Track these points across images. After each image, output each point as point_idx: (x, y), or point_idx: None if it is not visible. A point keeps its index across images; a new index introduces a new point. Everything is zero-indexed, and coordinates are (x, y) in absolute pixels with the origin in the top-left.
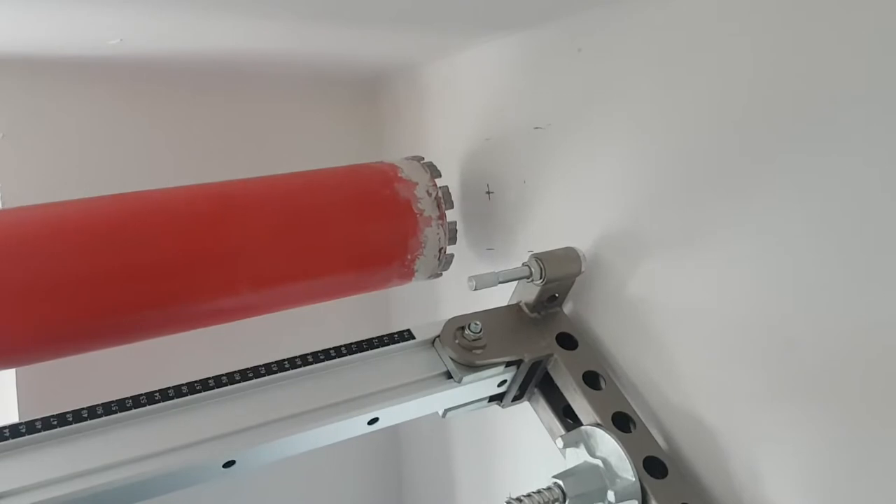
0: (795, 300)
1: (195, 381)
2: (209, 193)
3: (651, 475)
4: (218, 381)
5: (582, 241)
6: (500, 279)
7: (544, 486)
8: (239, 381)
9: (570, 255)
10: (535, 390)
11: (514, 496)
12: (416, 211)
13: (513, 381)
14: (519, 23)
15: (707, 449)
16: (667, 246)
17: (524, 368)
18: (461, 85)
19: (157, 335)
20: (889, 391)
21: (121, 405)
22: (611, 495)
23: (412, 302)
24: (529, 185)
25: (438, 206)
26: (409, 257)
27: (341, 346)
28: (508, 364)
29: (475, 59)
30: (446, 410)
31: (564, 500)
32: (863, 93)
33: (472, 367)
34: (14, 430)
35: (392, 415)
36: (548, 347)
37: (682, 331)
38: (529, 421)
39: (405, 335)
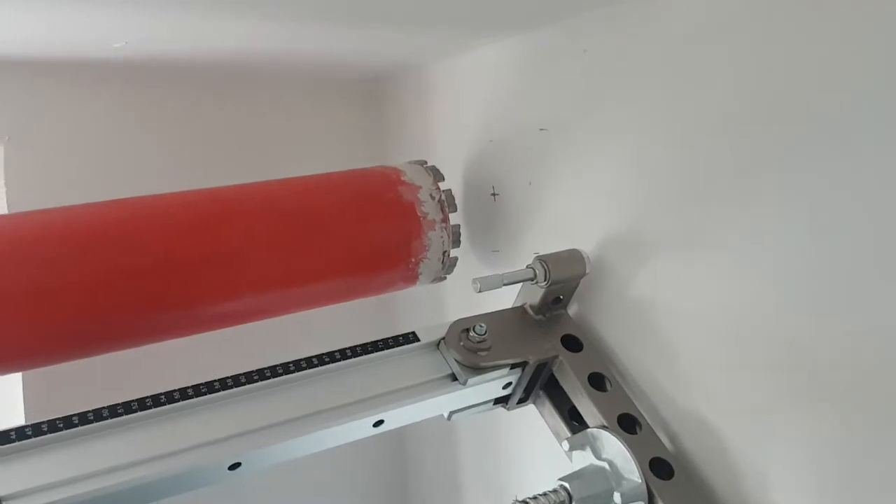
0: (801, 302)
1: (201, 384)
2: (212, 197)
3: (657, 476)
4: (223, 384)
5: (587, 243)
6: (505, 281)
7: (550, 489)
8: (244, 384)
9: (574, 257)
10: (541, 392)
11: (520, 498)
12: (419, 214)
13: (518, 383)
14: (523, 24)
15: (713, 450)
16: (672, 248)
17: (529, 370)
18: (465, 86)
19: (162, 339)
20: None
21: (126, 408)
22: (617, 497)
23: (419, 304)
24: (535, 187)
25: (442, 209)
26: (412, 261)
27: (346, 349)
28: (513, 366)
29: (479, 59)
30: (451, 413)
31: (570, 503)
32: (865, 93)
33: (477, 370)
34: (20, 433)
35: (397, 417)
36: (553, 349)
37: (688, 332)
38: (535, 423)
39: (410, 337)
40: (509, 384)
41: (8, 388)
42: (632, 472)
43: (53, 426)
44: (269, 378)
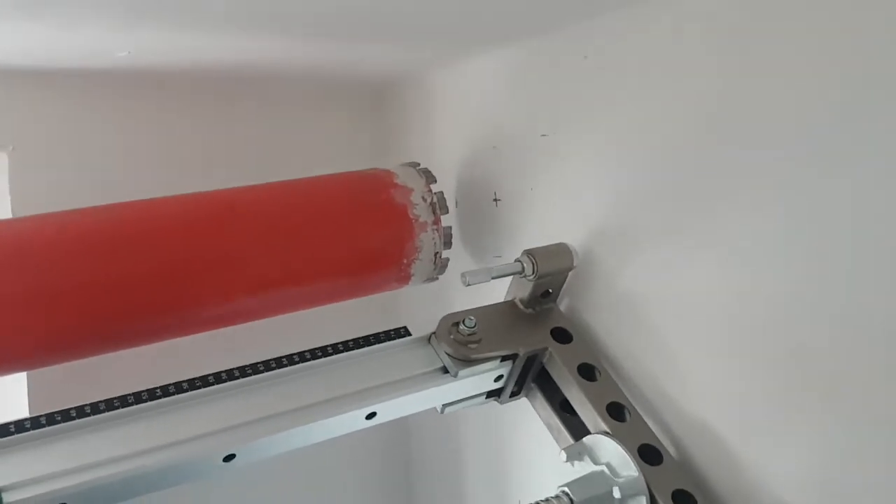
0: (785, 292)
1: (195, 378)
2: (207, 201)
3: (647, 462)
4: (218, 378)
5: (582, 238)
6: (493, 275)
7: (552, 495)
8: (238, 378)
9: (562, 251)
10: (533, 385)
11: None
12: (411, 217)
13: (509, 375)
14: (524, 32)
15: (700, 435)
16: (659, 242)
17: (520, 362)
18: (468, 92)
19: (159, 340)
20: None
21: (122, 401)
22: (616, 491)
23: (419, 301)
24: (537, 192)
25: (434, 211)
26: (404, 262)
27: (338, 343)
28: (504, 358)
29: (482, 67)
30: (444, 406)
31: None
32: (848, 92)
33: (468, 362)
34: (20, 426)
35: (389, 409)
36: (542, 341)
37: (674, 322)
38: (537, 422)
39: (401, 332)
40: (500, 377)
41: (14, 383)
42: (628, 466)
43: (52, 419)
44: (262, 372)
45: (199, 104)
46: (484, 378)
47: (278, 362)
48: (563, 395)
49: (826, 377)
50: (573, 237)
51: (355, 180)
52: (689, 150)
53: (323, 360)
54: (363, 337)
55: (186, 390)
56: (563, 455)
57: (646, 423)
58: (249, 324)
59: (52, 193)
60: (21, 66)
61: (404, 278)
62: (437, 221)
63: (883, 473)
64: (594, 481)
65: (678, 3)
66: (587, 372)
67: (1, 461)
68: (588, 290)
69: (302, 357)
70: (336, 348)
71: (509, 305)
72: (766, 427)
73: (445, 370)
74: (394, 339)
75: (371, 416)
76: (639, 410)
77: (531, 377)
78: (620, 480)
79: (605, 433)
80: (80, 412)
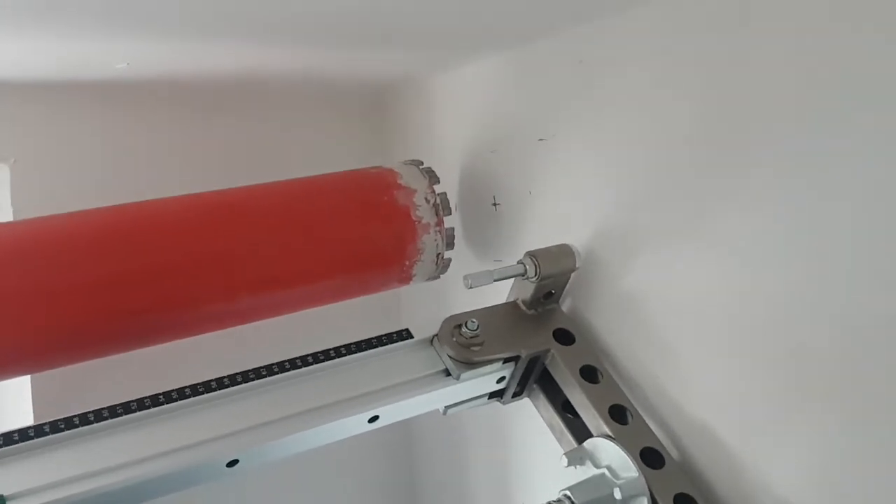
0: (785, 292)
1: (198, 384)
2: (209, 201)
3: (649, 466)
4: (220, 383)
5: (583, 237)
6: (495, 277)
7: (554, 499)
8: (240, 383)
9: (564, 252)
10: (535, 386)
11: None
12: (414, 218)
13: (511, 377)
14: (521, 37)
15: (702, 436)
16: (661, 243)
17: (522, 364)
18: (466, 97)
19: (161, 341)
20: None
21: (126, 408)
22: (617, 492)
23: (421, 302)
24: (536, 196)
25: (437, 212)
26: (406, 263)
27: (341, 347)
28: (506, 360)
29: (480, 71)
30: (447, 408)
31: None
32: (846, 91)
33: (471, 364)
34: (23, 434)
35: (392, 412)
36: (545, 343)
37: (676, 323)
38: (541, 424)
39: (404, 334)
40: (503, 378)
41: (19, 390)
42: (629, 468)
43: (55, 427)
44: (264, 377)
45: (199, 112)
46: (486, 380)
47: (280, 366)
48: (565, 396)
49: (826, 377)
50: (574, 240)
51: (358, 179)
52: (687, 151)
53: (325, 363)
54: (365, 340)
55: (189, 396)
56: (565, 460)
57: (648, 426)
58: (250, 327)
59: (54, 205)
60: (21, 79)
61: (406, 278)
62: (439, 223)
63: (884, 474)
64: (595, 484)
65: (673, 7)
66: (589, 374)
67: (5, 469)
68: (590, 292)
69: (304, 361)
70: (338, 351)
71: (511, 307)
72: (767, 428)
73: (448, 372)
74: (396, 341)
75: (374, 419)
76: (640, 412)
77: (533, 378)
78: (621, 482)
79: (607, 436)
80: (84, 419)
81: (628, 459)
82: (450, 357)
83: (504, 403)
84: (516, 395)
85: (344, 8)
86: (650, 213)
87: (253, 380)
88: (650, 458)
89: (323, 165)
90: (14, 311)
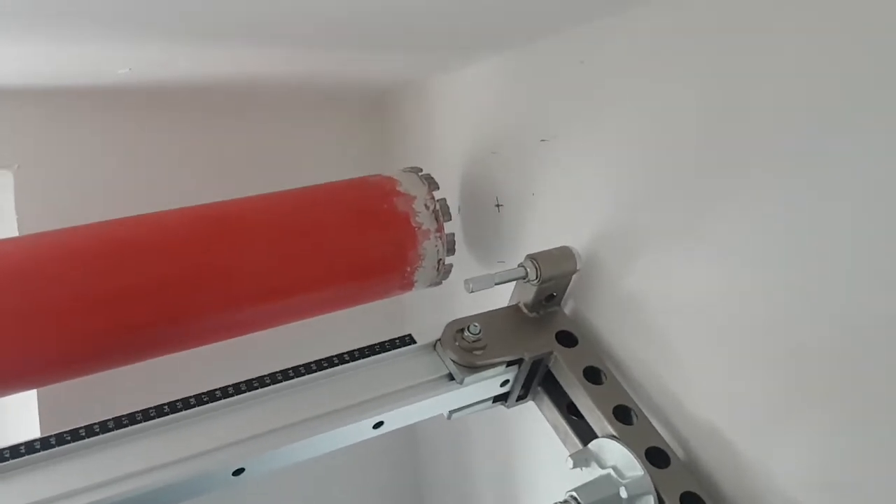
0: (785, 292)
1: (202, 393)
2: (209, 213)
3: (654, 465)
4: (225, 393)
5: (584, 240)
6: (497, 280)
7: (560, 500)
8: (245, 392)
9: (564, 254)
10: (539, 389)
11: None
12: (414, 225)
13: (515, 380)
14: (522, 38)
15: (706, 436)
16: (662, 244)
17: (525, 367)
18: (467, 99)
19: (164, 353)
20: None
21: (131, 419)
22: (623, 491)
23: (424, 308)
24: (538, 197)
25: (437, 218)
26: (408, 269)
27: (344, 353)
28: (510, 364)
29: (480, 73)
30: (451, 412)
31: None
32: (843, 93)
33: (474, 368)
34: (29, 447)
35: (397, 418)
36: (548, 345)
37: (678, 323)
38: (546, 426)
39: (406, 340)
40: (507, 382)
41: (24, 403)
42: (634, 467)
43: (62, 439)
44: (268, 385)
45: (200, 117)
46: (490, 383)
47: (284, 374)
48: (569, 398)
49: (826, 377)
50: (576, 241)
51: (357, 188)
52: (687, 151)
53: (329, 370)
54: (368, 346)
55: (194, 406)
56: (570, 462)
57: (652, 426)
58: (253, 337)
59: (58, 211)
60: (23, 85)
61: (408, 285)
62: (440, 229)
63: (884, 473)
64: (601, 485)
65: (673, 7)
66: (593, 375)
67: (12, 482)
68: (592, 293)
69: (308, 368)
70: (342, 358)
71: (513, 310)
72: (769, 427)
73: (451, 377)
74: (399, 347)
75: (378, 425)
76: (645, 412)
77: (537, 381)
78: (626, 481)
79: (612, 437)
80: (90, 431)
81: (633, 459)
82: (453, 361)
83: (508, 407)
84: (520, 398)
85: (344, 10)
86: (651, 213)
87: (257, 388)
88: (655, 457)
89: (323, 169)
90: (16, 329)
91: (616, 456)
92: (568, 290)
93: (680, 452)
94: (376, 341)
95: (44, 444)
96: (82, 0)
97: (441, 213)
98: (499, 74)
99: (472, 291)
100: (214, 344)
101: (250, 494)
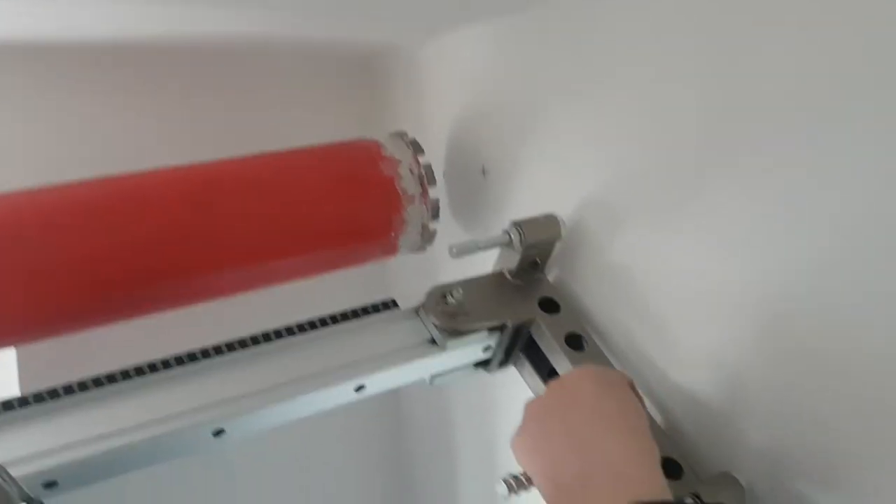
0: (768, 271)
1: (182, 354)
2: (190, 174)
3: None
4: (205, 354)
5: (570, 209)
6: (480, 246)
7: None
8: (226, 353)
9: (549, 222)
10: (521, 355)
11: (512, 474)
12: (399, 190)
13: (497, 346)
14: (514, 3)
15: (687, 402)
16: (648, 215)
17: (508, 333)
18: (457, 63)
19: (143, 314)
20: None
21: (110, 379)
22: None
23: (408, 273)
24: (525, 165)
25: (421, 183)
26: (392, 235)
27: (326, 317)
28: (492, 329)
29: (471, 37)
30: (433, 377)
31: None
32: (836, 84)
33: (456, 333)
34: (7, 405)
35: (378, 382)
36: (530, 312)
37: (661, 294)
38: (526, 387)
39: (389, 304)
40: (489, 347)
41: (3, 362)
42: None
43: (39, 398)
44: (250, 347)
45: (181, 78)
46: (472, 349)
47: (266, 337)
48: (550, 364)
49: (807, 352)
50: (562, 209)
51: (342, 151)
52: (682, 125)
53: (311, 333)
54: (351, 310)
55: (173, 366)
56: None
57: None
58: (235, 298)
59: (28, 174)
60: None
61: (391, 250)
62: (424, 193)
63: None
64: None
65: None
66: (574, 342)
67: None
68: (576, 262)
69: (289, 331)
70: (324, 322)
71: (497, 276)
72: (746, 388)
73: (433, 342)
74: (381, 311)
75: (360, 388)
76: None
77: (519, 347)
78: None
79: None
80: (68, 390)
81: None
82: (435, 326)
83: (490, 372)
84: (502, 364)
85: None
86: (640, 186)
87: (238, 350)
88: None
89: (307, 135)
90: None
91: None
92: (552, 258)
93: (660, 419)
94: (359, 306)
95: (21, 402)
96: None
97: (426, 178)
98: (490, 39)
99: (455, 256)
100: (196, 305)
101: (231, 460)
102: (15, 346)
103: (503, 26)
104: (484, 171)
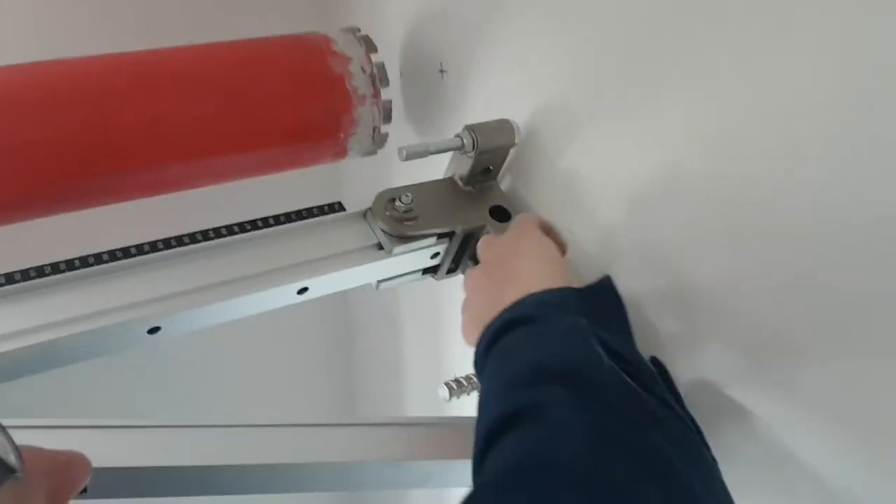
0: (716, 174)
1: (118, 249)
2: (129, 61)
3: None
4: (141, 250)
5: (526, 117)
6: (431, 150)
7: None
8: (164, 249)
9: (504, 127)
10: (469, 263)
11: (455, 378)
12: (349, 88)
13: (446, 253)
14: None
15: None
16: (605, 124)
17: (457, 240)
18: None
19: (82, 207)
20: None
21: (40, 272)
22: None
23: (360, 178)
24: (485, 65)
25: (373, 83)
26: (341, 136)
27: (269, 217)
28: (441, 236)
29: None
30: (379, 282)
31: None
32: None
33: (404, 239)
34: None
35: (322, 285)
36: (480, 219)
37: (614, 203)
38: None
39: (335, 207)
40: (437, 254)
41: None
42: None
43: None
44: (188, 244)
45: None
46: (420, 255)
47: (205, 235)
48: None
49: (761, 253)
50: (518, 115)
51: (290, 44)
52: (644, 33)
53: (253, 233)
54: (295, 211)
55: (108, 261)
56: None
57: None
58: (180, 195)
59: None
60: None
61: (341, 152)
62: (376, 94)
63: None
64: None
65: None
66: None
67: None
68: (529, 169)
69: (230, 230)
70: (267, 222)
71: (448, 182)
72: (703, 293)
73: (380, 246)
74: (328, 213)
75: (302, 290)
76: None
77: (468, 254)
78: None
79: None
80: (10, 279)
81: None
82: (382, 231)
83: (438, 279)
84: (451, 271)
85: None
86: (597, 93)
87: (177, 247)
88: None
89: (255, 28)
90: None
91: None
92: (505, 165)
93: None
94: (304, 207)
95: None
96: None
97: (379, 77)
98: None
99: (405, 159)
100: (140, 200)
101: (178, 355)
102: None
103: None
104: (441, 71)
